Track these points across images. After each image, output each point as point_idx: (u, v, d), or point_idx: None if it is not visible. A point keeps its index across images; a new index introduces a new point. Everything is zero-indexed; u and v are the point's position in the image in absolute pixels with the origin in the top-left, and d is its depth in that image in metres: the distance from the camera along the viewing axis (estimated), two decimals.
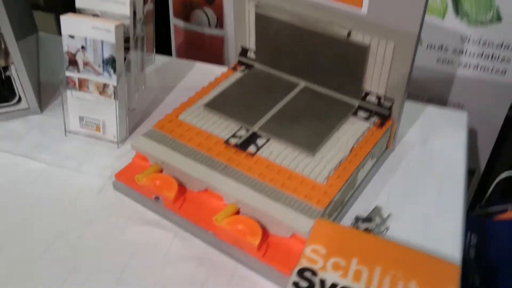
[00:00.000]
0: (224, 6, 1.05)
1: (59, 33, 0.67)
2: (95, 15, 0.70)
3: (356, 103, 0.70)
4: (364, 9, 0.61)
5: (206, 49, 1.13)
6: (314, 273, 0.47)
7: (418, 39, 0.60)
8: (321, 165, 0.61)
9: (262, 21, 0.73)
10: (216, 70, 0.81)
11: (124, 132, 0.73)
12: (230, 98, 0.72)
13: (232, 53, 1.11)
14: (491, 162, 1.03)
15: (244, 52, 0.79)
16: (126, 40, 0.70)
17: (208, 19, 1.08)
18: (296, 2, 0.67)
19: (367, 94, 0.69)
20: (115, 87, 0.68)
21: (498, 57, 0.90)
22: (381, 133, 0.66)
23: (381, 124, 0.67)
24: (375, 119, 0.68)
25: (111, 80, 0.68)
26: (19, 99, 0.77)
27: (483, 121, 0.96)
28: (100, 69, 0.68)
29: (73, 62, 0.68)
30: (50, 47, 0.93)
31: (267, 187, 0.58)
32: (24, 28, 0.82)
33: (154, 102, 0.82)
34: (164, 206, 0.61)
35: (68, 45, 0.68)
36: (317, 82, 0.73)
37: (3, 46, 0.72)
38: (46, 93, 0.82)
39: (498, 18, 0.86)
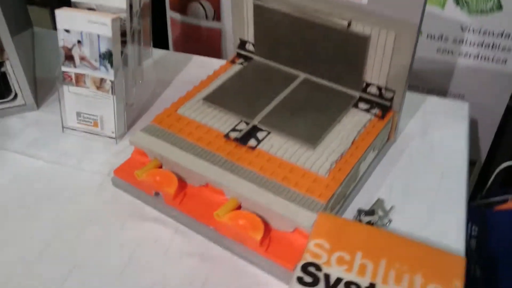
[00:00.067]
0: None
1: (55, 28, 0.66)
2: (90, 9, 0.68)
3: (357, 94, 0.69)
4: None
5: (204, 42, 1.12)
6: (318, 268, 0.47)
7: (419, 29, 0.59)
8: (322, 158, 0.60)
9: (260, 12, 0.72)
10: (214, 63, 0.80)
11: (122, 128, 0.72)
12: (229, 91, 0.71)
13: (230, 46, 1.10)
14: (491, 152, 1.03)
15: (242, 44, 0.78)
16: (123, 33, 0.69)
17: (205, 11, 1.07)
18: None
19: (368, 85, 0.68)
20: (112, 82, 0.67)
21: (499, 46, 0.89)
22: (383, 124, 0.66)
23: (382, 116, 0.67)
24: (376, 110, 0.67)
25: (108, 75, 0.67)
26: (15, 96, 0.76)
27: (484, 111, 0.96)
28: (97, 64, 0.67)
29: (69, 57, 0.67)
30: (45, 42, 0.92)
31: (268, 181, 0.57)
32: (19, 24, 0.81)
33: (152, 96, 0.81)
34: (164, 202, 0.60)
35: (63, 39, 0.66)
36: (317, 74, 0.72)
37: None
38: (43, 89, 0.81)
39: (499, 7, 0.85)
